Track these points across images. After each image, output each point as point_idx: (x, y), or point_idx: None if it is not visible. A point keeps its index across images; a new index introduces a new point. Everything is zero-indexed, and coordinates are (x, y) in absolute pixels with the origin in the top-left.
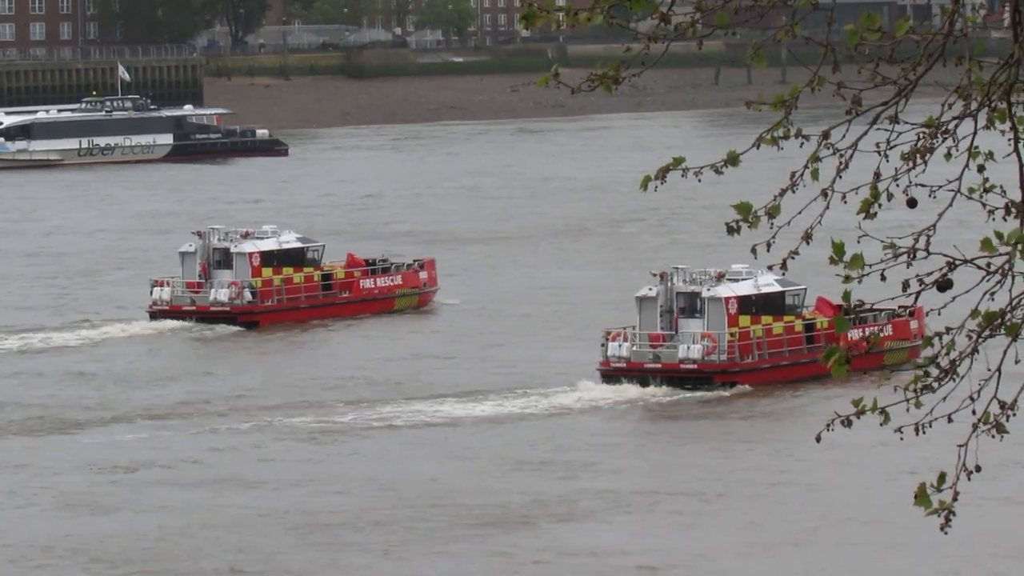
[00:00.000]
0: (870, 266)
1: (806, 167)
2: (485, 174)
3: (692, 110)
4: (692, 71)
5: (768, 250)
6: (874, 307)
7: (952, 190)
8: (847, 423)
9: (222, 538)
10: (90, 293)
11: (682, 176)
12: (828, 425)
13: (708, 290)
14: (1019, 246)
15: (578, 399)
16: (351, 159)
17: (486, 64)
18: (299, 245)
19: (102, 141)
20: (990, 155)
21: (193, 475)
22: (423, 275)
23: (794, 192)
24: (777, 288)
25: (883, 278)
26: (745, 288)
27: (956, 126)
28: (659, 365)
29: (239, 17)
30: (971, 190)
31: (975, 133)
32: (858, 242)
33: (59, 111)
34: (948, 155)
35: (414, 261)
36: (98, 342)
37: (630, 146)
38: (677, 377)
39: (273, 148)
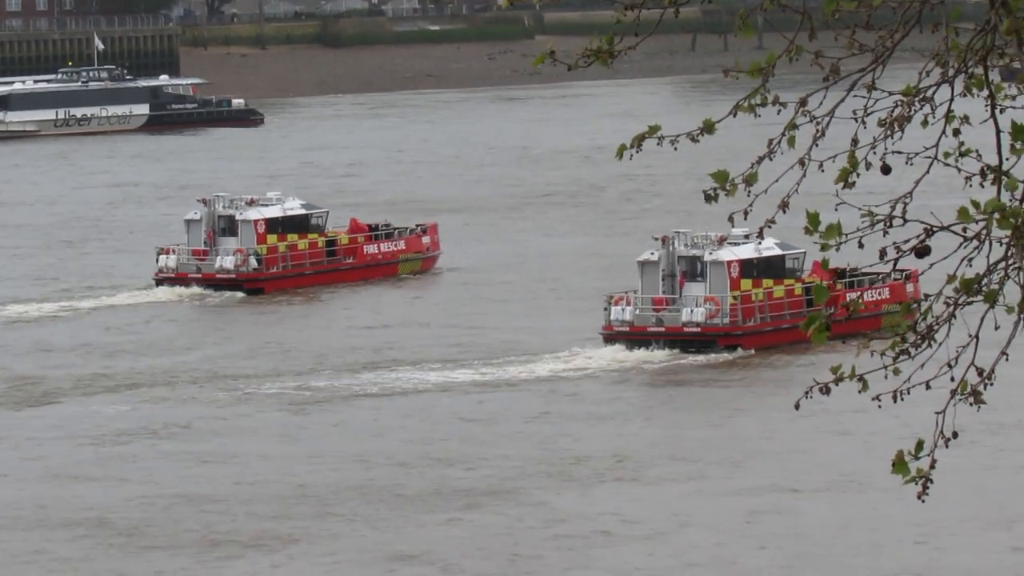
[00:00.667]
0: (846, 235)
1: (783, 135)
2: (464, 142)
3: (669, 76)
4: (668, 37)
5: (745, 218)
6: (857, 270)
7: (929, 157)
8: (825, 391)
9: (207, 507)
10: (75, 264)
11: (658, 144)
12: (807, 392)
13: (710, 254)
14: (995, 215)
15: (574, 365)
16: (329, 128)
17: (463, 32)
18: (303, 212)
19: (78, 112)
20: (965, 119)
21: (178, 444)
22: (426, 240)
23: (771, 160)
24: (777, 252)
25: (861, 245)
26: (746, 252)
27: (934, 93)
28: (662, 329)
29: None
30: (946, 155)
31: (952, 99)
32: (836, 210)
33: (35, 82)
34: (925, 122)
35: (417, 226)
36: (90, 311)
37: (608, 113)
38: (680, 341)
39: (248, 117)
